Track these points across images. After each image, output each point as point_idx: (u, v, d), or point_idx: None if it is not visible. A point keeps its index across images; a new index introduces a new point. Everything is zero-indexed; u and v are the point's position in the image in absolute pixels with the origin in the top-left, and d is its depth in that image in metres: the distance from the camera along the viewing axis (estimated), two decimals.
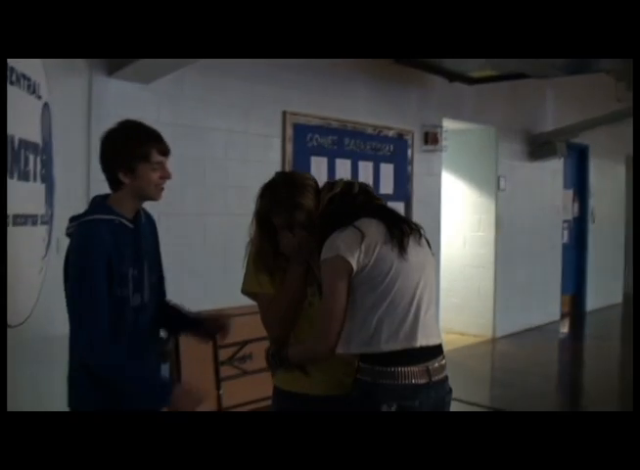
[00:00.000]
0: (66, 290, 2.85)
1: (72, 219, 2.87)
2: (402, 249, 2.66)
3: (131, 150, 2.80)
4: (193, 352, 4.62)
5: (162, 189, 2.90)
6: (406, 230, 2.74)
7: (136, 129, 2.88)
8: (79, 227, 2.81)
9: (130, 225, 2.87)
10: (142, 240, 2.94)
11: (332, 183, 2.88)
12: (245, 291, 3.02)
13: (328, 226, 2.72)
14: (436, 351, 2.74)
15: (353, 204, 2.78)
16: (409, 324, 2.66)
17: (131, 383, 2.80)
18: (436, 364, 2.71)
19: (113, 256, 2.75)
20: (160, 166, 2.85)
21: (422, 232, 2.82)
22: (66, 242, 4.15)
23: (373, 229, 2.69)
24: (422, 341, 2.67)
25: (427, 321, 2.71)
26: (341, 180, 2.92)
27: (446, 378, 2.77)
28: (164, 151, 2.86)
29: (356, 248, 2.63)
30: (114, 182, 2.85)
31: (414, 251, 2.71)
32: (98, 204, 2.89)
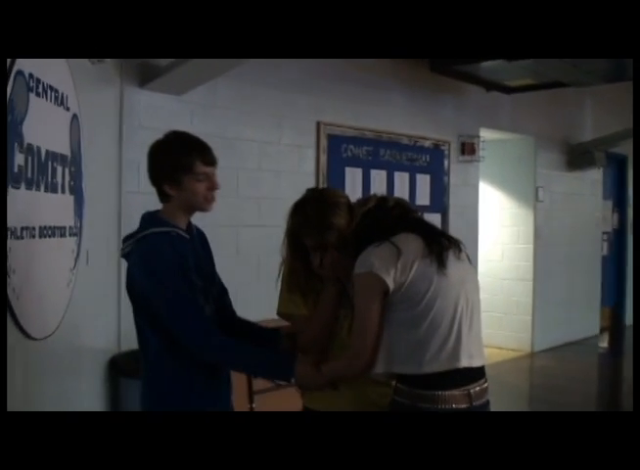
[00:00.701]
0: (136, 311, 2.79)
1: (127, 238, 2.80)
2: (441, 263, 2.55)
3: (174, 161, 2.73)
4: None
5: (213, 200, 2.80)
6: (445, 244, 2.63)
7: (180, 140, 2.81)
8: (139, 244, 2.73)
9: (186, 236, 2.81)
10: (198, 249, 2.88)
11: (365, 199, 2.80)
12: (279, 312, 2.96)
13: (362, 242, 2.62)
14: (479, 373, 2.62)
15: (389, 217, 2.69)
16: (452, 344, 2.54)
17: (251, 362, 2.76)
18: (478, 388, 2.58)
19: (184, 265, 2.70)
20: (207, 177, 2.75)
21: (461, 246, 2.71)
22: (96, 254, 4.17)
23: (410, 244, 2.57)
24: (464, 362, 2.55)
25: (470, 340, 2.59)
26: (374, 195, 2.84)
27: (488, 402, 2.64)
28: (209, 161, 2.77)
29: (392, 265, 2.51)
30: (162, 195, 2.79)
31: (454, 265, 2.59)
32: (151, 218, 2.81)
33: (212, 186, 2.77)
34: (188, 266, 2.72)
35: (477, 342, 2.64)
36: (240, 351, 2.72)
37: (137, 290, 2.73)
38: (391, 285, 2.51)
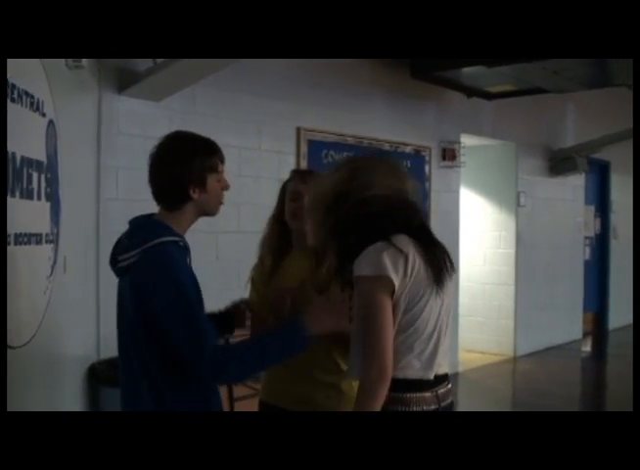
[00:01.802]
0: (127, 329, 2.59)
1: (127, 249, 2.56)
2: (440, 282, 2.51)
3: (202, 162, 2.61)
4: None
5: (222, 203, 2.74)
6: (445, 262, 2.57)
7: (198, 140, 2.68)
8: (148, 254, 2.51)
9: (188, 246, 2.69)
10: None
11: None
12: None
13: (360, 230, 2.52)
14: (444, 378, 2.61)
15: (395, 216, 2.56)
16: (428, 354, 2.52)
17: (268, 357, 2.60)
18: (443, 389, 2.58)
19: (195, 280, 2.57)
20: (222, 177, 2.69)
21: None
22: (74, 261, 4.15)
23: (411, 250, 2.49)
24: (435, 371, 2.55)
25: (443, 351, 2.58)
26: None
27: (452, 403, 2.65)
28: (223, 159, 2.71)
29: (400, 269, 2.45)
30: (176, 201, 2.63)
31: (447, 282, 2.56)
32: (154, 225, 2.63)
33: (226, 185, 2.71)
34: (193, 281, 2.58)
35: (446, 351, 2.63)
36: (249, 355, 2.55)
37: (144, 307, 2.50)
38: (397, 290, 2.45)
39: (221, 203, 2.72)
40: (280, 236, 3.09)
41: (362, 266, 2.47)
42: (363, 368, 2.46)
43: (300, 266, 2.99)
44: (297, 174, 3.21)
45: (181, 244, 2.61)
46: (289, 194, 3.07)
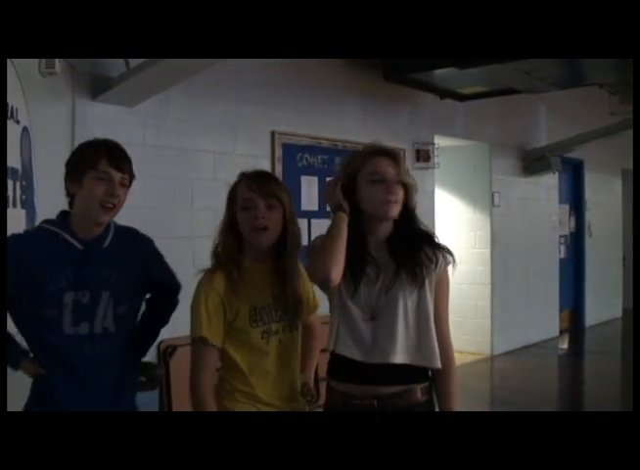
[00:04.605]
0: None
1: None
2: None
3: (79, 157, 2.64)
4: (184, 380, 4.51)
5: (109, 210, 2.64)
6: None
7: (90, 142, 2.72)
8: None
9: (78, 246, 2.66)
10: (99, 265, 2.69)
11: None
12: (197, 336, 2.71)
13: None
14: None
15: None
16: None
17: None
18: None
19: (37, 269, 2.60)
20: (108, 178, 2.60)
21: None
22: None
23: None
24: None
25: None
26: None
27: None
28: (115, 164, 2.62)
29: None
30: (69, 197, 2.70)
31: None
32: (58, 214, 2.73)
33: (111, 191, 2.61)
34: (49, 275, 2.60)
35: None
36: None
37: None
38: None
39: (105, 208, 2.64)
40: (238, 247, 2.78)
41: (450, 257, 2.83)
42: (450, 357, 2.71)
43: (261, 282, 2.79)
44: (246, 179, 2.79)
45: (60, 237, 2.65)
46: (239, 201, 2.74)
